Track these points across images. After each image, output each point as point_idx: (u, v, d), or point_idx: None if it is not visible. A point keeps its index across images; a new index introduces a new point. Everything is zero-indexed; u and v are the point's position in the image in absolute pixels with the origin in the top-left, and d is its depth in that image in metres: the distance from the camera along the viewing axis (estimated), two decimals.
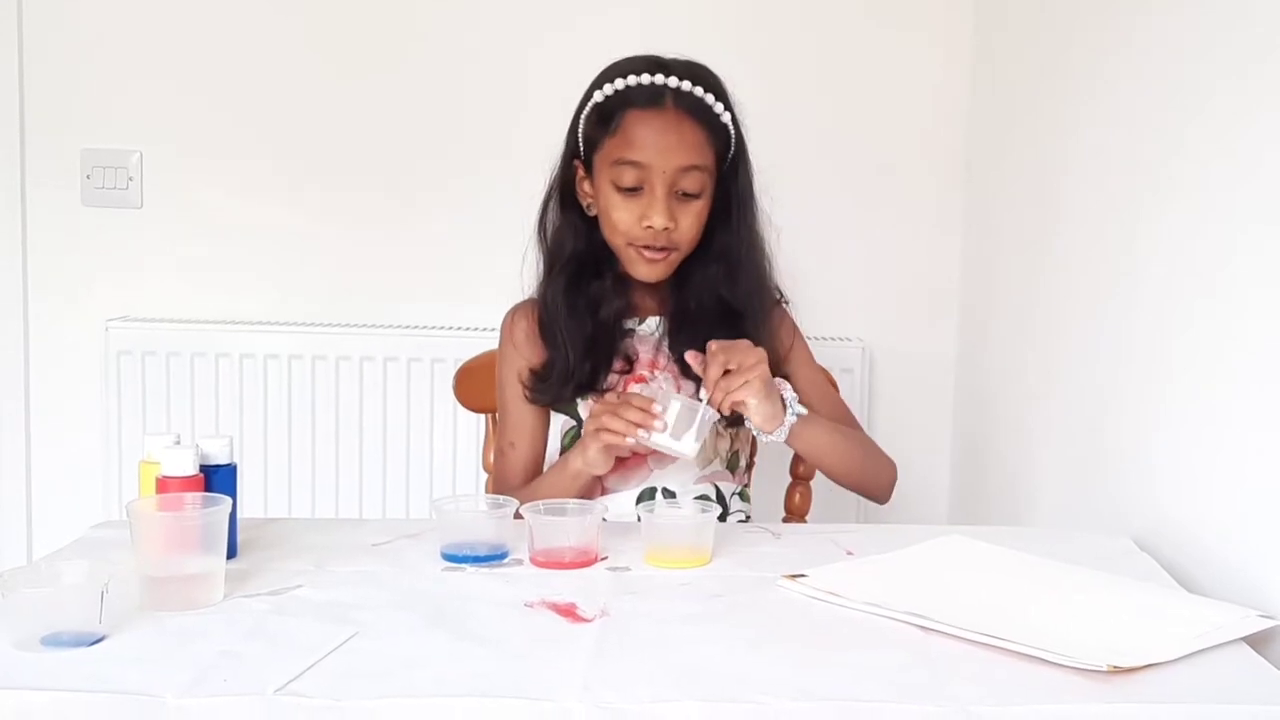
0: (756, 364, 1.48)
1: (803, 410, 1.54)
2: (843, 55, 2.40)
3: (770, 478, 1.84)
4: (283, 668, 1.01)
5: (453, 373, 1.96)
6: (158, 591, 1.17)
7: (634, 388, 1.64)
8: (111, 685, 0.98)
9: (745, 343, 1.51)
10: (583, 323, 1.63)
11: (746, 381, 1.46)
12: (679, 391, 1.61)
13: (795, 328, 1.73)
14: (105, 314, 2.41)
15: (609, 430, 1.46)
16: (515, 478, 1.67)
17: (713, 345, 1.49)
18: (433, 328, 2.40)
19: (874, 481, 1.69)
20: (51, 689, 0.98)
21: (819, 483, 1.80)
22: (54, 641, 1.05)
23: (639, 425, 1.45)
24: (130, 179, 2.42)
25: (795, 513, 1.81)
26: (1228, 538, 1.29)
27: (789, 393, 1.54)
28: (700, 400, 1.47)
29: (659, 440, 1.46)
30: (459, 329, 2.36)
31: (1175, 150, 1.45)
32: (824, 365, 1.90)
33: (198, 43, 2.40)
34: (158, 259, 2.44)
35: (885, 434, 2.43)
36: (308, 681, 1.00)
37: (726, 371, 1.47)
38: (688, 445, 1.46)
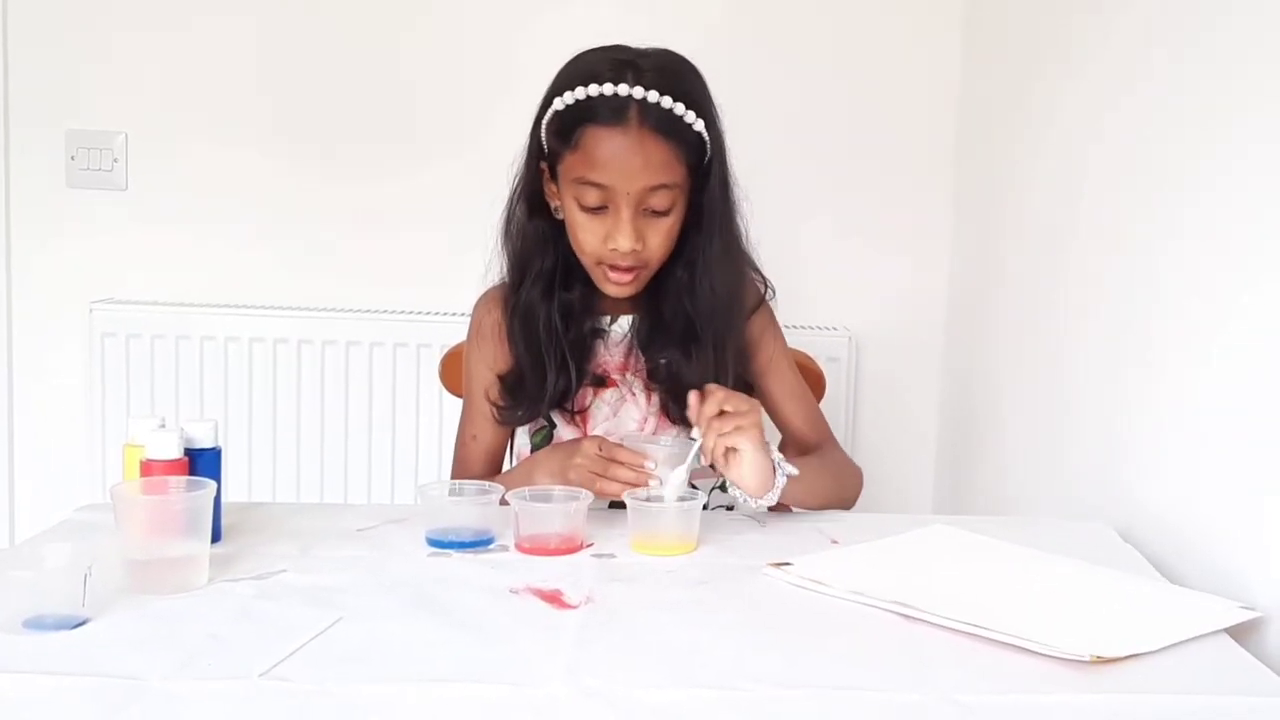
0: (750, 411, 1.39)
1: (793, 470, 1.45)
2: (832, 43, 2.39)
3: None
4: (267, 652, 1.01)
5: (439, 358, 1.96)
6: (141, 575, 1.16)
7: (606, 393, 1.61)
8: (95, 668, 0.98)
9: (742, 395, 1.43)
10: (555, 342, 1.56)
11: (739, 427, 1.38)
12: (649, 400, 1.60)
13: (775, 332, 1.67)
14: (89, 296, 2.40)
15: (605, 492, 1.41)
16: (476, 467, 1.65)
17: (711, 385, 1.41)
18: (418, 312, 2.40)
19: (839, 504, 1.64)
20: (34, 672, 0.98)
21: None
22: (37, 624, 1.05)
23: (633, 484, 1.39)
24: (115, 160, 2.40)
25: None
26: (1211, 530, 1.29)
27: (776, 453, 1.45)
28: (693, 440, 1.42)
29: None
30: (445, 314, 2.36)
31: (1163, 142, 1.46)
32: (811, 355, 1.90)
33: (184, 23, 2.38)
34: (143, 241, 2.43)
35: (871, 423, 2.44)
36: (292, 666, 1.00)
37: (722, 412, 1.38)
38: (676, 488, 1.40)
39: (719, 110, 1.54)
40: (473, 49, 2.39)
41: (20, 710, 0.94)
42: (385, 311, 2.41)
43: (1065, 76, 1.81)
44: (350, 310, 2.41)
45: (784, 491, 1.45)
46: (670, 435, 1.56)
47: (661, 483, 1.40)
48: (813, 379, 1.87)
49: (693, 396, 1.42)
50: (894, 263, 2.44)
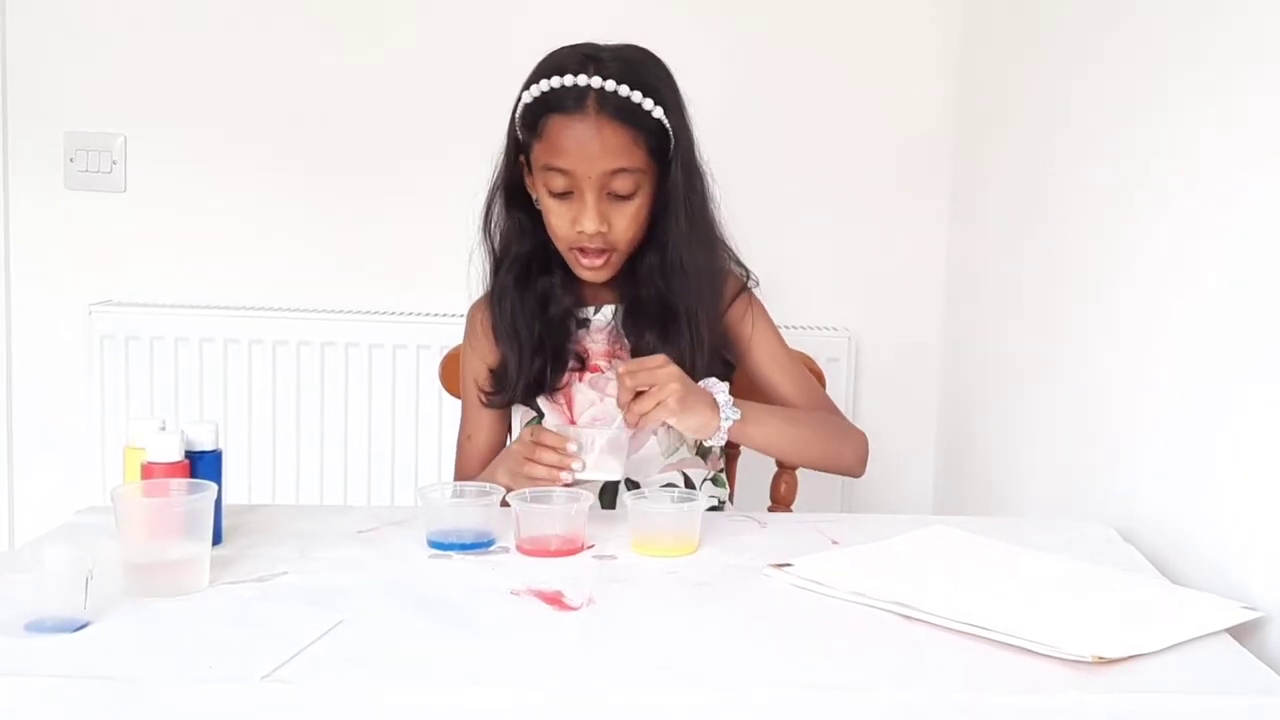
0: (667, 382, 1.44)
1: (735, 415, 1.51)
2: (830, 44, 2.39)
3: (755, 467, 1.84)
4: (268, 654, 1.01)
5: (438, 359, 1.96)
6: (142, 578, 1.16)
7: (589, 378, 1.64)
8: (96, 671, 0.98)
9: (656, 360, 1.47)
10: (531, 323, 1.62)
11: (660, 403, 1.44)
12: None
13: (758, 313, 1.69)
14: (88, 298, 2.40)
15: (532, 476, 1.44)
16: (473, 467, 1.68)
17: (620, 368, 1.47)
18: (418, 314, 2.40)
19: (835, 461, 1.68)
20: (36, 675, 0.98)
21: (804, 472, 1.80)
22: (38, 627, 1.05)
23: (557, 468, 1.43)
24: (114, 162, 2.40)
25: (781, 502, 1.81)
26: (1211, 529, 1.29)
27: (722, 395, 1.51)
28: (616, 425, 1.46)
29: (580, 475, 1.44)
30: (445, 315, 2.36)
31: (1163, 141, 1.46)
32: (810, 355, 1.90)
33: (183, 25, 2.38)
34: (142, 243, 2.43)
35: (870, 423, 2.42)
36: (293, 668, 0.99)
37: (640, 393, 1.44)
38: (611, 473, 1.44)
39: (685, 101, 1.59)
40: (472, 54, 2.38)
41: (22, 713, 0.94)
42: (385, 313, 2.41)
43: (1065, 80, 1.81)
44: (350, 312, 2.41)
45: (745, 434, 1.54)
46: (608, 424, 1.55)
47: (584, 466, 1.43)
48: None
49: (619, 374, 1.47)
50: (892, 263, 2.44)
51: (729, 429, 1.51)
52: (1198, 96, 1.37)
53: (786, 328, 2.30)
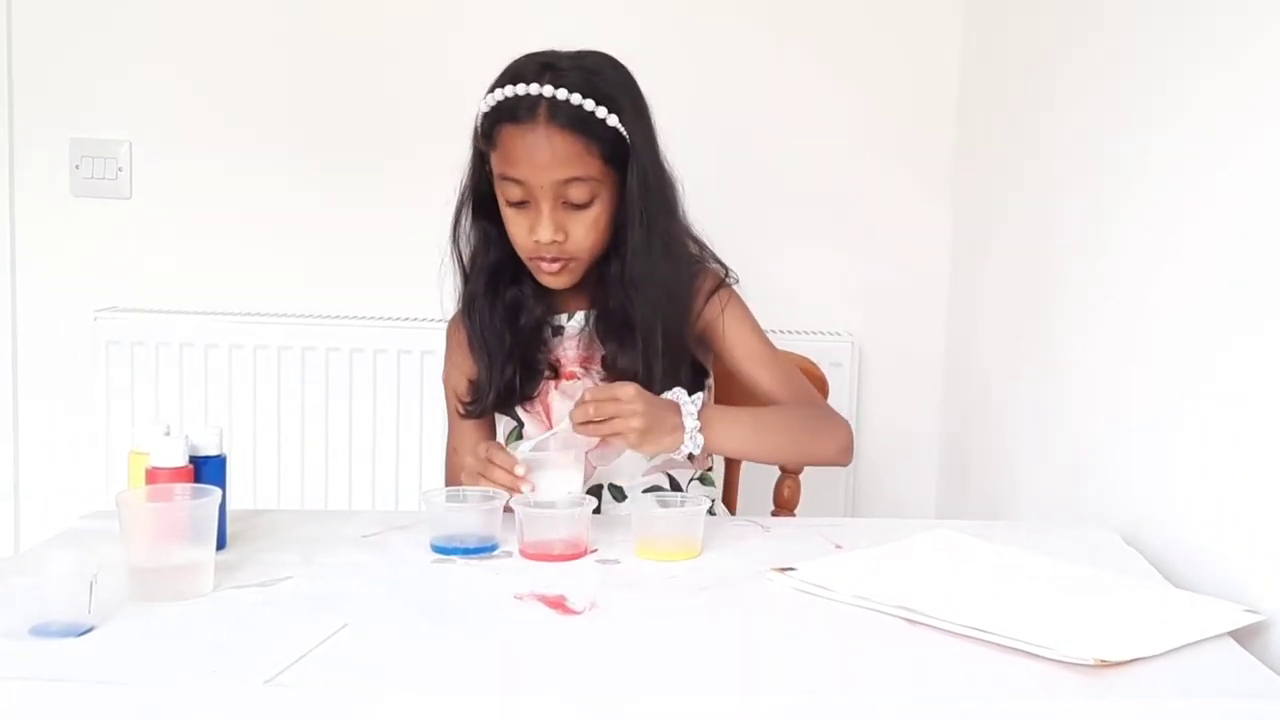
0: (630, 417, 1.42)
1: (695, 447, 1.47)
2: (830, 50, 2.40)
3: (759, 471, 1.84)
4: (272, 659, 1.01)
5: (442, 364, 1.96)
6: (147, 582, 1.17)
7: (565, 384, 1.63)
8: (100, 676, 0.98)
9: (625, 391, 1.44)
10: (502, 332, 1.62)
11: (618, 433, 1.43)
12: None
13: (736, 307, 1.67)
14: (94, 304, 2.40)
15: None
16: (459, 482, 1.67)
17: (587, 394, 1.45)
18: (422, 319, 2.40)
19: (813, 456, 1.67)
20: (40, 679, 0.98)
21: (808, 476, 1.80)
22: (42, 632, 1.05)
23: (508, 486, 1.41)
24: (120, 169, 2.41)
25: (784, 506, 1.81)
26: (1214, 533, 1.29)
27: (690, 420, 1.47)
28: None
29: (531, 498, 1.41)
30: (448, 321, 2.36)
31: (1165, 146, 1.46)
32: (813, 359, 1.91)
33: (188, 32, 2.39)
34: (147, 249, 2.43)
35: (874, 427, 2.44)
36: (297, 673, 1.00)
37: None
38: (558, 495, 1.41)
39: (649, 107, 1.58)
40: (472, 63, 2.38)
41: (26, 717, 0.95)
42: (389, 318, 2.41)
43: (1065, 77, 1.81)
44: (354, 317, 2.41)
45: (715, 446, 1.52)
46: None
47: (534, 488, 1.41)
48: (816, 384, 1.87)
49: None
50: (896, 267, 2.44)
51: (698, 441, 1.48)
52: (1200, 96, 1.37)
53: (790, 333, 2.31)
